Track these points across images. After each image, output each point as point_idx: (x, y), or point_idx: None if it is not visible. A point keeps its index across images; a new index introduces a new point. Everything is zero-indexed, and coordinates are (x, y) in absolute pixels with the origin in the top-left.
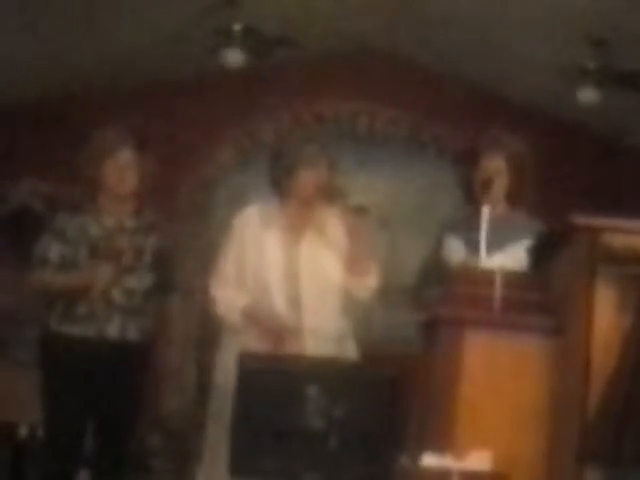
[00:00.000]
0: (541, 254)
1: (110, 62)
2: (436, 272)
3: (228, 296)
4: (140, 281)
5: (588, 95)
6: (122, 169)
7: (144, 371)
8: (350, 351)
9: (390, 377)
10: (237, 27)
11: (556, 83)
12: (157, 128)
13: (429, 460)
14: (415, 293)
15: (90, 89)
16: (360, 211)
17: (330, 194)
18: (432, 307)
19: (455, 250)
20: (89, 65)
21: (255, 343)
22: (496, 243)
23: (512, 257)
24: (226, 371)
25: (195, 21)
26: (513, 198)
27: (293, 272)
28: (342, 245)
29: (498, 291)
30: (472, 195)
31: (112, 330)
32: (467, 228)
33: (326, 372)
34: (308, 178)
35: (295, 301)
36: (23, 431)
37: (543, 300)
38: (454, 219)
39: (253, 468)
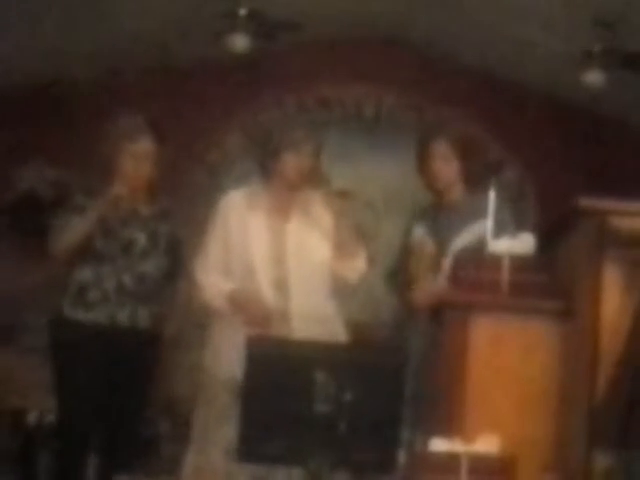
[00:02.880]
0: (548, 237)
1: (115, 47)
2: (405, 260)
3: (213, 281)
4: (154, 266)
5: (593, 78)
6: (138, 158)
7: (155, 357)
8: (339, 334)
9: (398, 362)
10: (242, 12)
11: (563, 67)
12: (162, 113)
13: (438, 444)
14: (390, 279)
15: (95, 74)
16: (342, 195)
17: (314, 179)
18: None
19: (419, 237)
20: (93, 50)
21: (242, 327)
22: (455, 227)
23: (475, 238)
24: (216, 357)
25: (200, 6)
26: (469, 179)
27: (279, 255)
28: (328, 227)
29: (505, 275)
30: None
31: (123, 316)
32: (432, 215)
33: (334, 357)
34: (292, 162)
35: (282, 284)
36: (32, 418)
37: (550, 283)
38: (422, 207)
39: (261, 453)
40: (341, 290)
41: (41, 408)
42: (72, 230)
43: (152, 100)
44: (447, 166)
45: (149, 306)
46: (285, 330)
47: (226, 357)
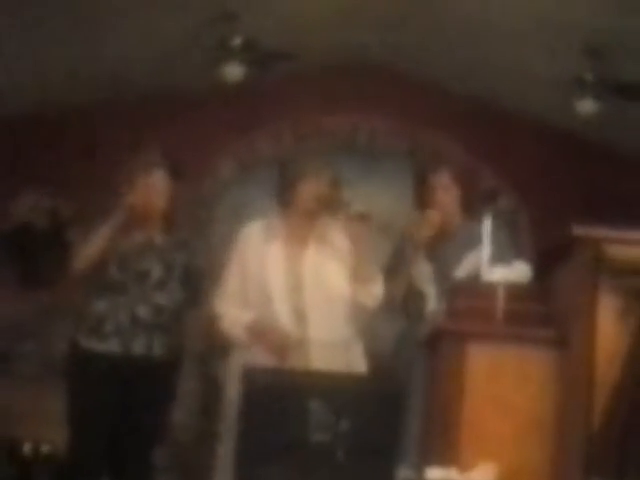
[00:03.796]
0: (543, 266)
1: (109, 76)
2: (394, 277)
3: (232, 312)
4: (169, 297)
5: (587, 106)
6: (150, 190)
7: (171, 388)
8: (358, 361)
9: (393, 391)
10: (236, 41)
11: (554, 95)
12: (156, 142)
13: (434, 473)
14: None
15: (89, 103)
16: (362, 218)
17: (332, 205)
18: (430, 319)
19: (411, 259)
20: (88, 80)
21: (261, 357)
22: (455, 257)
23: (475, 266)
24: (235, 388)
25: (194, 35)
26: (470, 208)
27: (297, 284)
28: (346, 254)
29: (500, 304)
30: (426, 210)
31: (138, 346)
32: (431, 245)
33: (331, 386)
34: (310, 190)
35: (300, 313)
36: (27, 448)
37: (546, 312)
38: (410, 227)
39: None
40: (359, 316)
41: (37, 438)
42: (89, 245)
43: (145, 129)
44: (448, 196)
45: (164, 337)
46: (303, 358)
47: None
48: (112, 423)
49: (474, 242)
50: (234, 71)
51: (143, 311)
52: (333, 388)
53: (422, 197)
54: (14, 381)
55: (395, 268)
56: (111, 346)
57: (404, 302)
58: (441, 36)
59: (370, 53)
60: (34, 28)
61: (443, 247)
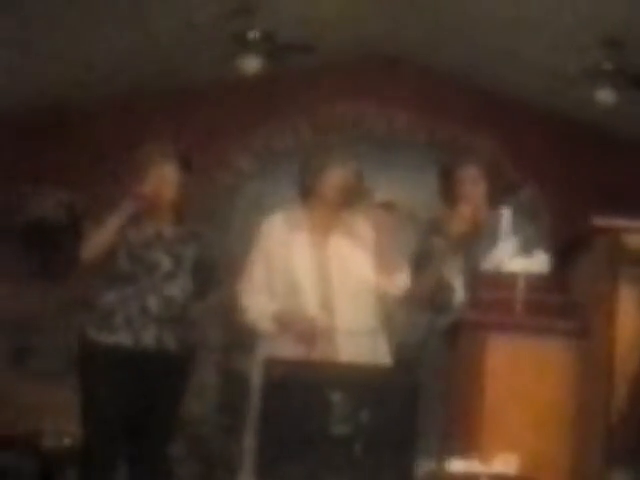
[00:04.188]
0: (563, 256)
1: (127, 69)
2: (423, 273)
3: (258, 303)
4: (178, 289)
5: (606, 96)
6: (160, 182)
7: (183, 380)
8: (383, 352)
9: (414, 382)
10: (254, 34)
11: (573, 85)
12: (174, 135)
13: (456, 465)
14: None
15: (107, 96)
16: (387, 206)
17: (356, 195)
18: (451, 311)
19: (442, 254)
20: (106, 72)
21: (288, 347)
22: (483, 249)
23: (503, 258)
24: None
25: (212, 28)
26: (493, 201)
27: (323, 273)
28: (371, 244)
29: (521, 294)
30: (454, 204)
31: (148, 339)
32: (460, 239)
33: (351, 378)
34: (336, 179)
35: (327, 302)
36: (49, 441)
37: (566, 303)
38: (439, 222)
39: (279, 474)
40: (384, 305)
41: (56, 431)
42: (100, 230)
43: (164, 122)
44: (476, 190)
45: (175, 328)
46: (331, 348)
47: None
48: (125, 415)
49: (501, 235)
50: (252, 63)
51: (153, 302)
52: (354, 380)
53: (450, 191)
54: (33, 375)
55: (424, 261)
56: (121, 338)
57: (432, 295)
58: (458, 28)
59: (386, 45)
60: (51, 23)
61: (472, 240)
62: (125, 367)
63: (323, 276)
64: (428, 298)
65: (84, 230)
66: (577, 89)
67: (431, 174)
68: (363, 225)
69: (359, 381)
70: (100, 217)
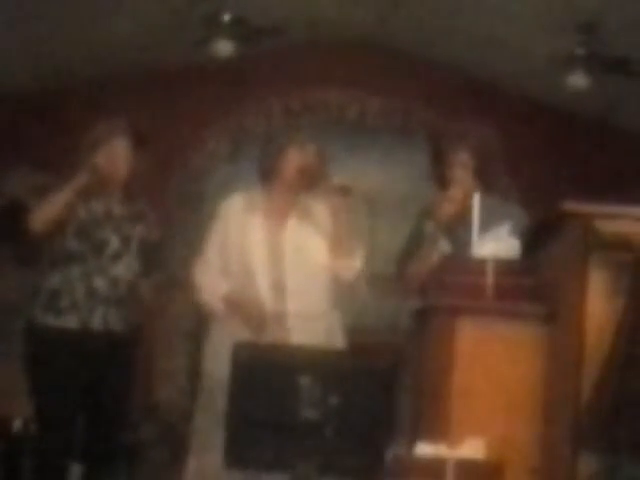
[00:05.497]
0: (532, 241)
1: (98, 53)
2: (412, 260)
3: (211, 283)
4: (126, 270)
5: (578, 81)
6: (114, 157)
7: (130, 362)
8: (336, 335)
9: (384, 366)
10: (226, 17)
11: (545, 70)
12: (146, 118)
13: (423, 449)
14: (395, 279)
15: (79, 79)
16: (343, 190)
17: (314, 176)
18: (415, 295)
19: (432, 238)
20: (76, 55)
21: (239, 330)
22: (479, 231)
23: (495, 243)
24: (215, 360)
25: (184, 11)
26: (486, 186)
27: (277, 256)
28: (327, 228)
29: (490, 279)
30: (446, 188)
31: (96, 321)
32: (449, 223)
33: (320, 362)
34: (294, 161)
35: (279, 285)
36: (16, 425)
37: (535, 287)
38: (431, 206)
39: (248, 459)
40: (338, 288)
41: (25, 415)
42: (51, 202)
43: (136, 105)
44: (466, 174)
45: (122, 309)
46: (281, 332)
47: (223, 360)
48: (75, 399)
49: (491, 220)
50: (224, 47)
51: (99, 284)
52: (323, 364)
53: (441, 175)
54: (5, 359)
55: (415, 246)
56: (67, 321)
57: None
58: (432, 12)
59: (359, 28)
60: (26, 7)
61: (461, 225)
62: (72, 350)
63: (276, 259)
64: (418, 282)
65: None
66: (550, 74)
67: (401, 158)
68: (320, 209)
69: (329, 365)
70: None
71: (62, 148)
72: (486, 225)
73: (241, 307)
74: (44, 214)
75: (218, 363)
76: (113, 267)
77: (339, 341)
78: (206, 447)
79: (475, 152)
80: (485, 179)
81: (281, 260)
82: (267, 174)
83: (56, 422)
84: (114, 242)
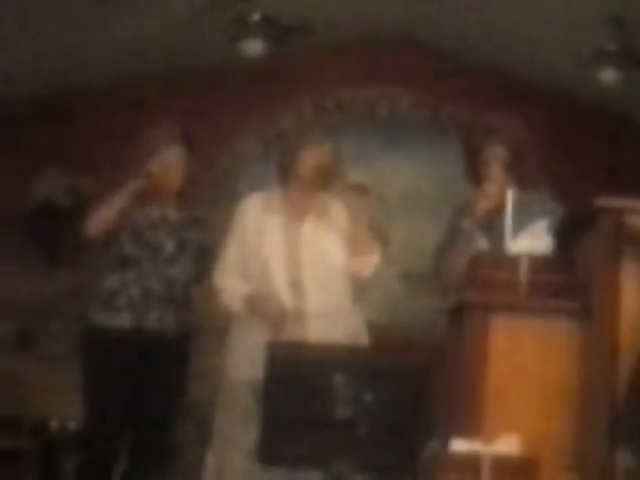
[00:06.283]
0: (565, 236)
1: (128, 53)
2: (450, 256)
3: (231, 284)
4: (180, 272)
5: (608, 76)
6: (168, 164)
7: (184, 362)
8: (358, 332)
9: (417, 364)
10: (255, 17)
11: (576, 65)
12: (177, 118)
13: (458, 445)
14: (432, 279)
15: (108, 80)
16: (359, 189)
17: (330, 177)
18: (453, 292)
19: (469, 234)
20: (107, 56)
21: (259, 329)
22: (515, 227)
23: (532, 239)
24: (236, 360)
25: (213, 12)
26: (522, 181)
27: (295, 256)
28: (344, 226)
29: (524, 275)
30: (481, 184)
31: (150, 321)
32: (485, 219)
33: (354, 360)
34: (310, 160)
35: (297, 285)
36: (54, 425)
37: (569, 283)
38: (467, 203)
39: (282, 456)
40: (357, 286)
41: (63, 415)
42: (106, 206)
43: (167, 106)
44: (502, 169)
45: (176, 311)
46: (300, 331)
47: (246, 360)
48: (127, 397)
49: (527, 216)
50: (253, 46)
51: (155, 285)
52: (357, 362)
53: (475, 170)
54: (41, 360)
55: (452, 243)
56: (124, 321)
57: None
58: (461, 7)
59: (387, 26)
60: (47, 7)
61: (498, 221)
62: (127, 349)
63: (294, 258)
64: (455, 279)
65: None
66: (581, 69)
67: (434, 156)
68: (337, 207)
69: (362, 363)
70: (105, 198)
71: (93, 150)
72: (522, 221)
73: (260, 306)
74: (99, 220)
75: (239, 362)
76: (168, 269)
77: (362, 338)
78: (227, 446)
79: (509, 147)
80: (520, 174)
81: (299, 259)
82: (284, 173)
83: (105, 420)
84: (169, 246)
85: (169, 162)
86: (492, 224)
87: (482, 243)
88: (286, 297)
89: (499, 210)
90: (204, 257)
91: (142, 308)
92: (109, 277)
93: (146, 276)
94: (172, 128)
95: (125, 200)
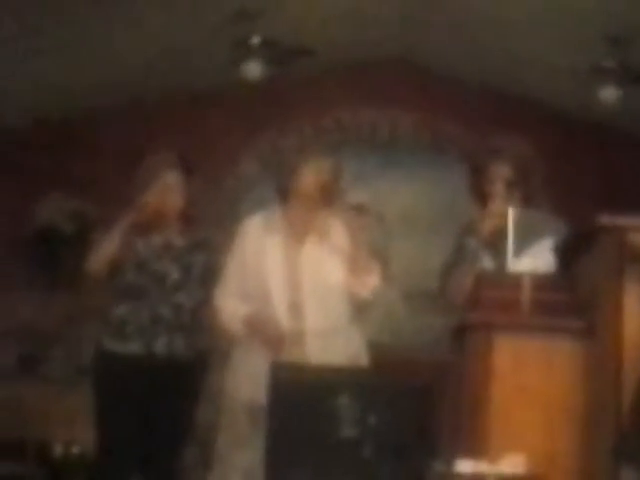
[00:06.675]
0: (568, 255)
1: (129, 78)
2: (455, 275)
3: (230, 305)
4: (187, 297)
5: (607, 93)
6: (165, 191)
7: (195, 387)
8: (359, 353)
9: (422, 384)
10: (255, 40)
11: (576, 83)
12: (178, 142)
13: (463, 466)
14: (437, 298)
15: (112, 105)
16: (359, 209)
17: (331, 194)
18: (457, 312)
19: (475, 253)
20: (108, 81)
21: (261, 351)
22: (519, 246)
23: (537, 258)
24: (235, 381)
25: (213, 35)
26: (527, 200)
27: (294, 277)
28: (344, 246)
29: (526, 294)
30: (486, 203)
31: (160, 347)
32: (490, 238)
33: (358, 381)
34: (309, 178)
35: (296, 307)
36: (58, 450)
37: (571, 301)
38: (473, 222)
39: (288, 478)
40: (360, 311)
41: (66, 439)
42: (102, 248)
43: (169, 129)
44: (506, 188)
45: (186, 336)
46: (300, 352)
47: (246, 381)
48: (139, 423)
49: (532, 235)
50: (254, 69)
51: (164, 311)
52: (361, 383)
53: (480, 189)
54: (44, 384)
55: (457, 263)
56: (133, 347)
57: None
58: (459, 29)
59: (387, 48)
60: (48, 32)
61: (503, 240)
62: (138, 375)
63: (294, 280)
64: (461, 299)
65: (92, 240)
66: (580, 87)
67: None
68: (337, 228)
69: (367, 384)
70: (108, 227)
71: (96, 175)
72: (526, 240)
73: (259, 327)
74: (99, 256)
75: (240, 384)
76: (175, 296)
77: (362, 359)
78: (227, 468)
79: (514, 166)
80: (524, 193)
81: (299, 280)
82: (284, 193)
83: (117, 445)
84: (174, 273)
85: (167, 188)
86: (497, 243)
87: (487, 262)
88: (285, 318)
89: (504, 229)
90: (211, 279)
91: (151, 334)
92: (118, 306)
93: (155, 303)
94: (169, 154)
95: (120, 234)
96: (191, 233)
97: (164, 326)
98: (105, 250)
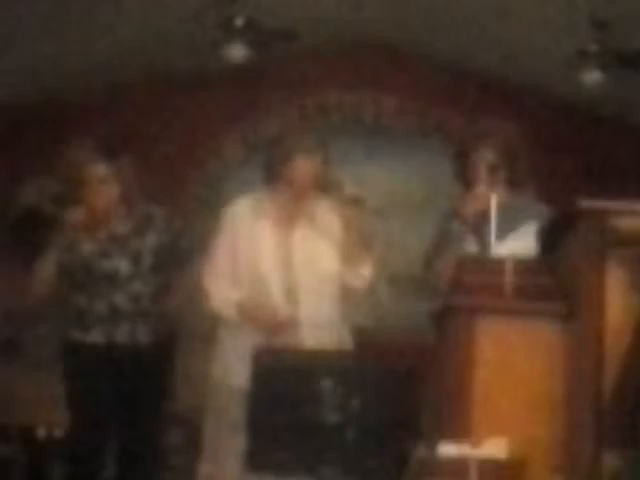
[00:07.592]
0: (549, 239)
1: (111, 59)
2: (439, 259)
3: (222, 290)
4: (145, 284)
5: (591, 78)
6: (95, 185)
7: (164, 370)
8: (345, 341)
9: (404, 368)
10: (239, 22)
11: (561, 67)
12: (161, 125)
13: (446, 449)
14: (421, 282)
15: (91, 86)
16: (355, 201)
17: (325, 185)
18: (440, 295)
19: (459, 237)
20: (89, 62)
21: (250, 336)
22: (503, 230)
23: (520, 242)
24: (224, 365)
25: (197, 17)
26: (511, 184)
27: (287, 262)
28: (335, 235)
29: (509, 278)
30: (470, 187)
31: (121, 336)
32: (474, 221)
33: (340, 365)
34: (304, 167)
35: (291, 292)
36: (41, 433)
37: (554, 285)
38: (457, 206)
39: (270, 463)
40: (347, 297)
41: (49, 422)
42: (41, 272)
43: (152, 112)
44: (491, 172)
45: (148, 322)
46: (295, 338)
47: (237, 366)
48: (109, 410)
49: (516, 219)
50: (237, 52)
51: (120, 301)
52: (344, 367)
53: (464, 174)
54: (25, 366)
55: (442, 247)
56: (95, 337)
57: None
58: (443, 12)
59: (372, 31)
60: (33, 15)
61: (488, 224)
62: (102, 365)
63: (287, 267)
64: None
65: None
66: (563, 71)
67: (418, 160)
68: (331, 219)
69: (349, 368)
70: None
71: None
72: (510, 224)
73: (255, 314)
74: (40, 281)
75: (230, 368)
76: (130, 287)
77: (345, 343)
78: (219, 453)
79: (499, 150)
80: (509, 177)
81: (291, 267)
82: (272, 178)
83: (89, 430)
84: (123, 267)
85: (98, 182)
86: (481, 227)
87: (471, 246)
88: (280, 303)
89: (488, 213)
90: (168, 257)
91: (111, 324)
92: (75, 296)
93: (109, 296)
94: (86, 145)
95: (56, 255)
96: (134, 213)
97: (123, 315)
98: (43, 274)
